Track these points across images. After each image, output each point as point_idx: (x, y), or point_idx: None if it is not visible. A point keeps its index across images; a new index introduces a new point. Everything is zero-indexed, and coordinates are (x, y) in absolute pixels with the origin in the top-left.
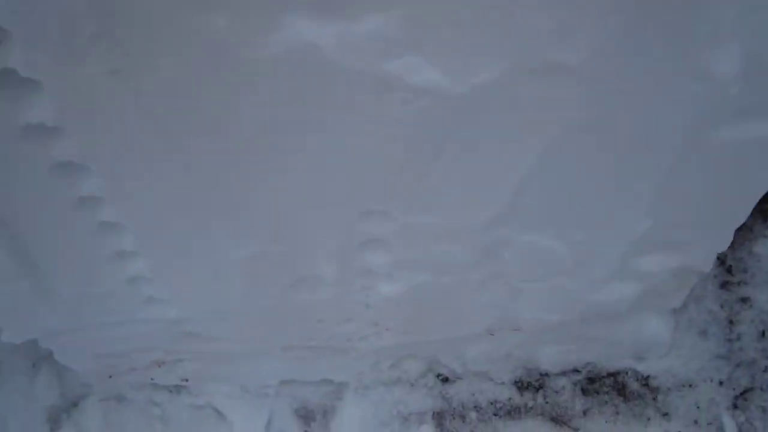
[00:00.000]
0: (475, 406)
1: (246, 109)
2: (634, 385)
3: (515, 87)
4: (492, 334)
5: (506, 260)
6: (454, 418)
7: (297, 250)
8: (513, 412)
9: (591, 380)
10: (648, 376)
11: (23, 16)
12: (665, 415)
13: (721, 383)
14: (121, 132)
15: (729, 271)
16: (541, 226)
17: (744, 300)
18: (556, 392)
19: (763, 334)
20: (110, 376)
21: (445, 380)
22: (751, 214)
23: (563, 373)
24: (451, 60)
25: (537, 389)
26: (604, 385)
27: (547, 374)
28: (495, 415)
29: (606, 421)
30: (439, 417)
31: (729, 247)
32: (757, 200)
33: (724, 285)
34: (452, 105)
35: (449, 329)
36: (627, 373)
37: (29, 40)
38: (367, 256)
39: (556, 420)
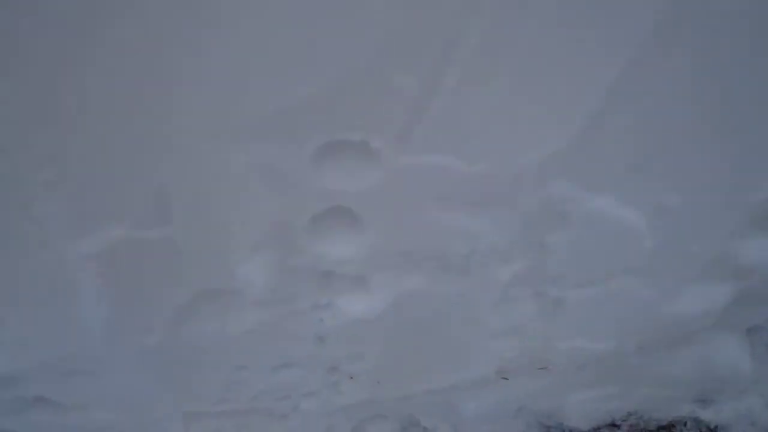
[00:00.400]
0: None
1: None
2: None
3: None
4: (505, 378)
5: (551, 246)
6: None
7: (193, 235)
8: None
9: None
10: (716, 427)
11: None
12: None
13: None
14: None
15: None
16: (615, 182)
17: None
18: None
19: None
20: None
21: None
22: None
23: (595, 429)
24: None
25: None
26: None
27: None
28: None
29: None
30: None
31: None
32: None
33: None
34: None
35: (445, 373)
36: (686, 424)
37: None
38: (323, 244)
39: None
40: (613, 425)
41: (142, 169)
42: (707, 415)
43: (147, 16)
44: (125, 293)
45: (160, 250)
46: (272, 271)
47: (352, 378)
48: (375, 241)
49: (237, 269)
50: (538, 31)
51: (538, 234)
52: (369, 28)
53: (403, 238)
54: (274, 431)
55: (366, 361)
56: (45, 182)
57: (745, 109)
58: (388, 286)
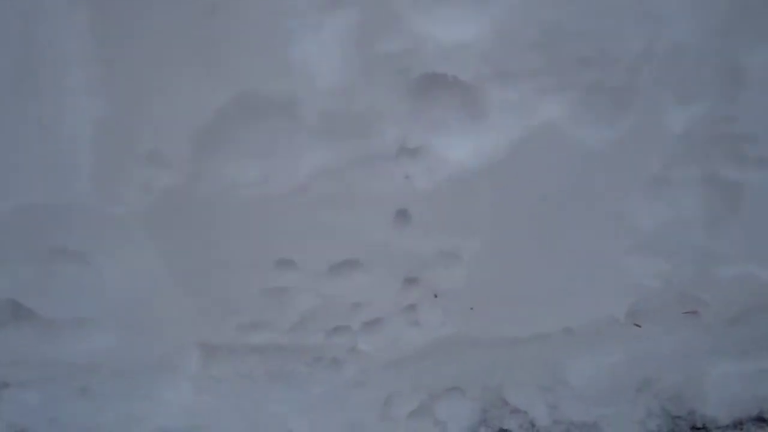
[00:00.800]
0: None
1: None
2: None
3: None
4: (637, 325)
5: (748, 75)
6: None
7: None
8: None
9: None
10: None
11: None
12: None
13: None
14: None
15: None
16: None
17: None
18: None
19: None
20: None
21: None
22: None
23: (737, 426)
24: None
25: None
26: None
27: (704, 428)
28: None
29: None
30: None
31: None
32: None
33: None
34: None
35: (559, 307)
36: None
37: None
38: (428, 12)
39: None
40: (761, 419)
41: None
42: None
43: None
44: (127, 75)
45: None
46: (349, 56)
47: (436, 297)
48: (506, 16)
49: (296, 44)
50: None
51: (736, 42)
52: None
53: (548, 9)
54: (320, 386)
55: (460, 265)
56: None
57: None
58: (512, 113)
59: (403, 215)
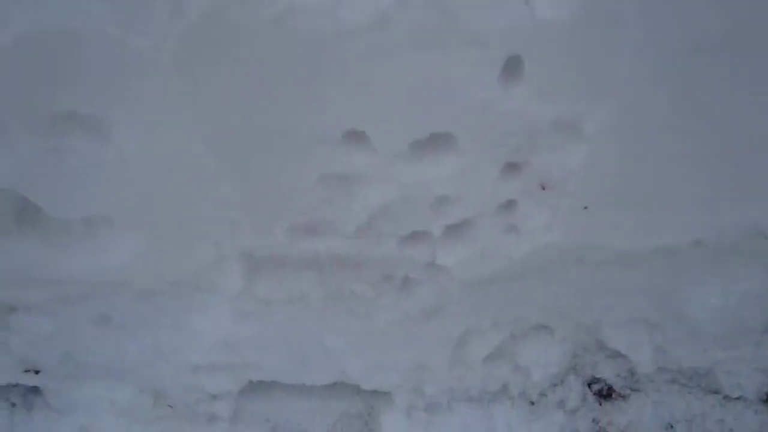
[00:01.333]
0: None
1: None
2: None
3: None
4: None
5: None
6: None
7: None
8: None
9: None
10: None
11: None
12: None
13: None
14: None
15: None
16: None
17: None
18: None
19: None
20: None
21: (607, 396)
22: None
23: None
24: None
25: None
26: None
27: None
28: None
29: None
30: None
31: None
32: None
33: None
34: None
35: (701, 209)
36: None
37: None
38: None
39: None
40: None
41: None
42: None
43: None
44: None
45: None
46: None
47: (544, 189)
48: None
49: None
50: None
51: None
52: None
53: None
54: (386, 314)
55: (580, 142)
56: None
57: None
58: None
59: (513, 65)
